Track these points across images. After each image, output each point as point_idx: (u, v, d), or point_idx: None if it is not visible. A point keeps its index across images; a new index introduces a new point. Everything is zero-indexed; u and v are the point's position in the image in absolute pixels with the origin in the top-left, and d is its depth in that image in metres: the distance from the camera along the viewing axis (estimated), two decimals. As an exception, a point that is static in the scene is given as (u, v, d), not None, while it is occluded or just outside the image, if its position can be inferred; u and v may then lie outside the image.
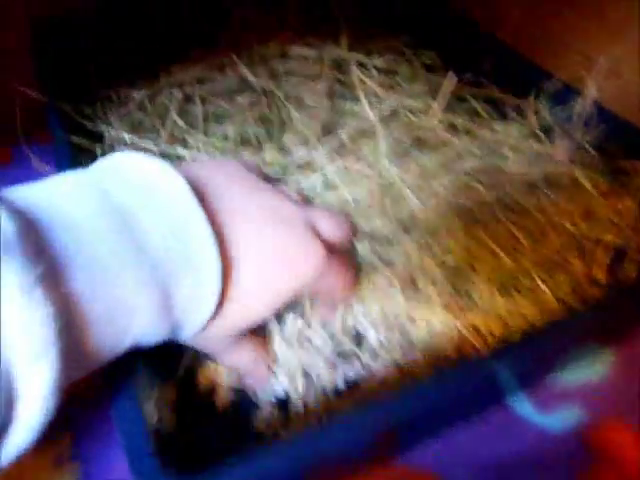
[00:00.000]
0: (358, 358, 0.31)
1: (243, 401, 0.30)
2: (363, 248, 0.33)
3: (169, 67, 0.47)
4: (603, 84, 0.40)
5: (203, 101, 0.44)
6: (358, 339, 0.31)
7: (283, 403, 0.29)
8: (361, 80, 0.43)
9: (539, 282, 0.33)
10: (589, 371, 0.36)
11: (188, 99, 0.45)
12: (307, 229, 0.25)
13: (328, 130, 0.41)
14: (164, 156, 0.39)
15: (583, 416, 0.33)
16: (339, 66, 0.47)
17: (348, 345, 0.31)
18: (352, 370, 0.30)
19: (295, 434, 0.26)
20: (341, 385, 0.30)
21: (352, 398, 0.29)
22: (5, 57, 0.46)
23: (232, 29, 0.52)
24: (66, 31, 0.48)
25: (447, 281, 0.32)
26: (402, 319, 0.31)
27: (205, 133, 0.41)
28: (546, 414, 0.33)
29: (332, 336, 0.31)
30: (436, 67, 0.50)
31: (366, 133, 0.41)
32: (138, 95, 0.44)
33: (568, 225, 0.36)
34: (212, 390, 0.30)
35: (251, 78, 0.42)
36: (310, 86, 0.44)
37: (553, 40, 0.49)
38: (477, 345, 0.30)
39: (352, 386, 0.30)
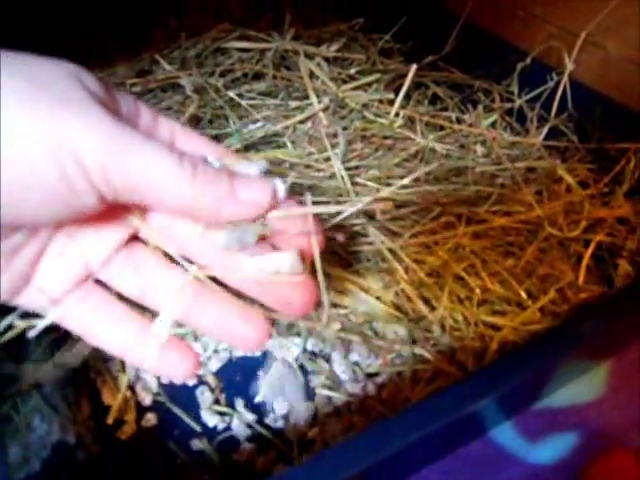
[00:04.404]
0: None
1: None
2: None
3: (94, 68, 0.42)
4: (584, 60, 0.35)
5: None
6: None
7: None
8: (310, 74, 0.38)
9: (521, 292, 0.29)
10: (580, 392, 0.31)
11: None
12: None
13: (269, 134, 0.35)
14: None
15: (576, 443, 0.29)
16: (284, 58, 0.42)
17: None
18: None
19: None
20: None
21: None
22: None
23: (166, 23, 0.47)
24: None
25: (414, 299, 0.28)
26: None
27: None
28: (534, 444, 0.29)
29: None
30: (393, 52, 0.45)
31: (315, 135, 0.35)
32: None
33: (549, 227, 0.32)
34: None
35: (182, 81, 0.37)
36: (250, 84, 0.39)
37: (525, 13, 0.44)
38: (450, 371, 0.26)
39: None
